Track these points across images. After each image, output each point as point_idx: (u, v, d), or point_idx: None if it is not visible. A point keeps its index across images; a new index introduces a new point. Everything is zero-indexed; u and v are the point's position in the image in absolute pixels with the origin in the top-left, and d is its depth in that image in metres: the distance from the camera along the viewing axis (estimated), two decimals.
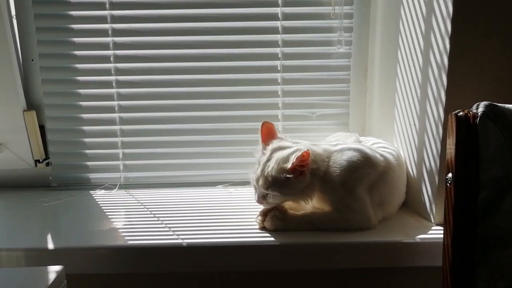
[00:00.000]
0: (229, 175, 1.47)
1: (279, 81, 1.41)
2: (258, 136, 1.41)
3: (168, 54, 1.40)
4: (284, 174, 1.00)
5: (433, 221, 1.10)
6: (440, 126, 1.05)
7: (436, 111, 1.07)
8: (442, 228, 1.05)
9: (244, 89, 1.42)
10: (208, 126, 1.44)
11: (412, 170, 1.18)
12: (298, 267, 1.04)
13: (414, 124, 1.17)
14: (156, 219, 1.17)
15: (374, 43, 1.40)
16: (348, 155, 1.05)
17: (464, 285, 0.84)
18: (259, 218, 1.08)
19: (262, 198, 1.05)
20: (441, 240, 1.00)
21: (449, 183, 0.85)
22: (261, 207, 1.10)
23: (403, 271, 1.08)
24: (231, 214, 1.20)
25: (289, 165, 0.99)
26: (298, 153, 0.97)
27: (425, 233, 1.06)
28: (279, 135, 1.12)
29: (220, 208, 1.25)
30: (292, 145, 1.08)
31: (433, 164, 1.09)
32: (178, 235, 1.06)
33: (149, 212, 1.23)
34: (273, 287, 1.12)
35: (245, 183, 1.44)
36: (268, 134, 1.11)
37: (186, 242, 1.02)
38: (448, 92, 1.02)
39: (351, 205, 1.03)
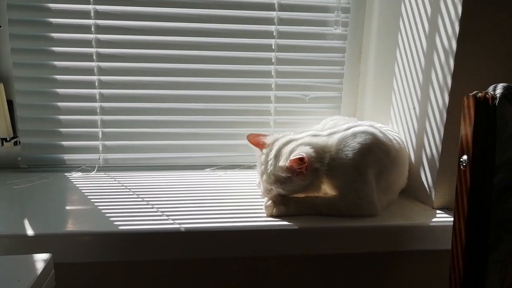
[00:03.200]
0: (217, 158, 1.40)
1: (273, 60, 1.35)
2: (249, 118, 1.40)
3: (156, 27, 1.29)
4: (285, 174, 0.97)
5: (432, 206, 1.10)
6: (444, 110, 1.04)
7: (440, 95, 1.05)
8: (442, 212, 1.08)
9: (236, 68, 1.35)
10: (196, 106, 1.36)
11: (410, 154, 1.17)
12: (299, 253, 1.00)
13: (414, 108, 1.16)
14: (146, 203, 1.09)
15: (370, 24, 1.37)
16: (362, 138, 1.01)
17: (476, 269, 0.83)
18: (269, 203, 1.03)
19: (267, 193, 1.03)
20: (444, 224, 1.01)
21: (463, 165, 0.83)
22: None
23: (406, 255, 1.07)
24: (226, 198, 1.14)
25: (286, 164, 0.96)
26: (293, 156, 0.94)
27: (427, 217, 1.05)
28: (268, 136, 1.09)
29: (213, 192, 1.18)
30: (296, 139, 1.03)
31: (434, 149, 1.08)
32: (174, 220, 0.99)
33: (136, 196, 1.14)
34: (275, 272, 1.08)
35: (234, 166, 1.39)
36: (256, 140, 1.08)
37: (184, 227, 0.95)
38: (454, 76, 1.01)
39: (360, 190, 1.00)
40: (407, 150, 1.17)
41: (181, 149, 1.39)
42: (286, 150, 0.99)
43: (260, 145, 1.07)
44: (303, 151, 0.96)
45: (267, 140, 1.06)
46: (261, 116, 1.40)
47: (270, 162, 1.00)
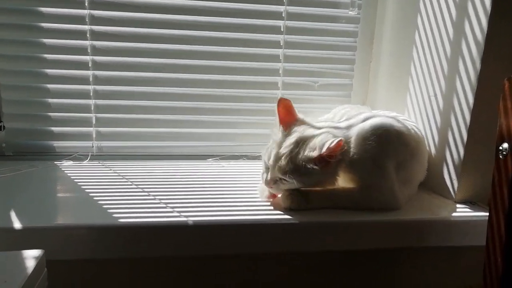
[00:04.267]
0: (220, 148, 1.31)
1: (281, 44, 1.26)
2: (254, 105, 1.31)
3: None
4: (311, 165, 0.87)
5: (454, 199, 1.03)
6: (472, 96, 0.97)
7: (467, 80, 0.98)
8: (466, 206, 1.01)
9: (241, 50, 1.26)
10: (197, 91, 1.27)
11: (430, 145, 1.10)
12: (316, 248, 0.92)
13: (435, 95, 1.08)
14: (147, 194, 0.99)
15: (384, 5, 1.29)
16: (380, 130, 0.94)
17: None
18: (267, 194, 0.96)
19: (273, 182, 0.92)
20: (470, 218, 0.95)
21: (504, 154, 0.76)
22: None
23: (426, 250, 0.99)
24: (234, 190, 1.05)
25: (315, 154, 0.87)
26: (331, 142, 0.85)
27: (449, 211, 0.98)
28: (299, 115, 0.98)
29: (218, 183, 1.09)
30: (317, 129, 0.95)
31: (458, 138, 1.01)
32: (179, 212, 0.89)
33: (135, 186, 1.04)
34: (289, 269, 0.99)
35: (238, 156, 1.30)
36: (287, 113, 0.96)
37: (192, 221, 0.86)
38: (485, 59, 0.94)
39: (380, 183, 0.92)
40: (426, 140, 1.09)
41: (181, 138, 1.29)
42: (314, 140, 0.89)
43: (287, 122, 0.95)
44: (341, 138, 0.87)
45: (293, 126, 0.94)
46: (267, 104, 1.31)
47: (288, 148, 0.90)
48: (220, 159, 1.29)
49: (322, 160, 0.87)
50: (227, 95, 1.28)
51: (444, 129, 1.06)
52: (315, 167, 0.87)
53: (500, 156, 0.77)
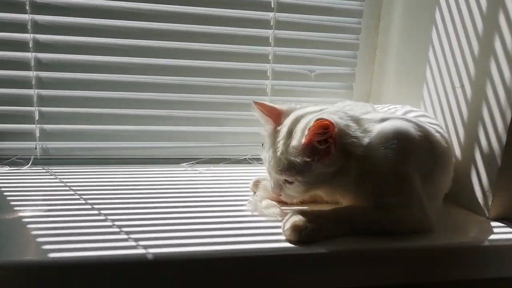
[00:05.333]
0: (196, 149, 1.08)
1: (271, 23, 1.04)
2: (238, 98, 1.08)
3: None
4: (303, 158, 0.70)
5: (488, 215, 0.83)
6: None
7: (506, 63, 0.78)
8: (503, 224, 0.81)
9: (222, 30, 1.03)
10: (167, 79, 1.03)
11: (455, 148, 0.89)
12: (331, 286, 0.70)
13: (462, 86, 0.88)
14: (96, 212, 0.76)
15: None
16: (404, 134, 0.74)
17: None
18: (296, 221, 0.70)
19: (278, 188, 0.75)
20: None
21: None
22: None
23: (466, 285, 0.78)
24: (215, 205, 0.82)
25: (298, 142, 0.71)
26: (311, 124, 0.68)
27: (486, 232, 0.78)
28: (282, 107, 0.81)
29: (194, 196, 0.86)
30: (317, 110, 0.76)
31: (494, 141, 0.81)
32: (136, 241, 0.66)
33: (84, 202, 0.80)
34: None
35: (218, 160, 1.07)
36: (268, 110, 0.80)
37: (152, 253, 0.63)
38: None
39: (406, 198, 0.72)
40: (451, 143, 0.88)
41: (148, 137, 1.05)
42: (302, 124, 0.73)
43: (275, 118, 0.79)
44: (327, 117, 0.69)
45: (284, 112, 0.79)
46: (253, 96, 1.08)
47: (281, 143, 0.73)
48: (196, 163, 1.06)
49: (313, 149, 0.69)
50: (204, 85, 1.05)
51: (473, 128, 0.85)
52: (307, 159, 0.69)
53: None
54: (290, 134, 0.73)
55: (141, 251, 0.63)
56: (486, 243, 0.75)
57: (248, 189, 0.90)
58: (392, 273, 0.71)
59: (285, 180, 0.73)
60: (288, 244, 0.68)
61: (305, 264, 0.67)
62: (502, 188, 0.81)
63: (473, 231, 0.78)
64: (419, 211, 0.72)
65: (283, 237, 0.69)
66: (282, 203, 0.79)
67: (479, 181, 0.84)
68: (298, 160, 0.70)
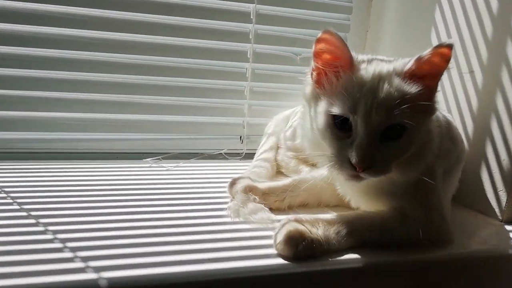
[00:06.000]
0: (162, 143, 0.92)
1: None
2: (213, 83, 0.93)
3: None
4: (413, 84, 0.57)
5: (501, 218, 0.73)
6: None
7: None
8: None
9: (196, 3, 0.87)
10: (128, 58, 0.87)
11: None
12: None
13: (472, 72, 0.77)
14: (34, 221, 0.59)
15: None
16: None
17: None
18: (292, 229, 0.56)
19: (371, 147, 0.55)
20: None
21: None
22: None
23: None
24: (184, 210, 0.67)
25: (410, 64, 0.58)
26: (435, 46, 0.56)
27: (506, 237, 0.68)
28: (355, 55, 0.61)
29: (159, 199, 0.71)
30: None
31: (510, 135, 0.71)
32: (85, 261, 0.50)
33: (18, 208, 0.63)
34: None
35: (188, 155, 0.91)
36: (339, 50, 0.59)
37: (106, 278, 0.47)
38: None
39: (430, 202, 0.60)
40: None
41: (102, 128, 0.88)
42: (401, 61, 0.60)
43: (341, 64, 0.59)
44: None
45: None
46: (231, 81, 0.94)
47: (380, 73, 0.57)
48: (163, 158, 0.89)
49: (417, 77, 0.57)
50: (172, 66, 0.90)
51: (485, 118, 0.75)
52: (415, 88, 0.56)
53: None
54: (384, 69, 0.58)
55: (91, 275, 0.47)
56: (510, 251, 0.64)
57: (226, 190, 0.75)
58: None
59: (385, 134, 0.55)
60: (281, 261, 0.54)
61: (302, 286, 0.54)
62: None
63: (490, 237, 0.67)
64: (439, 218, 0.60)
65: (274, 251, 0.55)
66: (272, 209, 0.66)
67: (491, 179, 0.75)
68: (411, 89, 0.56)
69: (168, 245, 0.55)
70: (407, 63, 0.58)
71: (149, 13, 0.85)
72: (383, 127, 0.55)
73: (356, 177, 0.56)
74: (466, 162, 0.77)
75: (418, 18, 0.91)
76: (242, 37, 0.91)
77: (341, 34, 0.91)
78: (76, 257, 0.51)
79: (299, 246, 0.53)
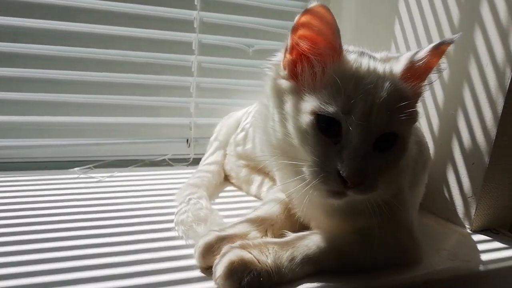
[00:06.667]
0: (94, 148, 0.80)
1: None
2: (155, 78, 0.81)
3: None
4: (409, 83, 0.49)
5: (471, 227, 0.67)
6: (509, 65, 0.60)
7: (498, 36, 0.62)
8: (488, 237, 0.66)
9: None
10: (50, 50, 0.74)
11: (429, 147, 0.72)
12: None
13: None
14: None
15: None
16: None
17: None
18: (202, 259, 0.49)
19: (365, 159, 0.45)
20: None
21: None
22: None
23: None
24: (116, 233, 0.56)
25: (400, 67, 0.49)
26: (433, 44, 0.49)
27: (474, 249, 0.62)
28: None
29: (87, 217, 0.60)
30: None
31: (480, 136, 0.65)
32: None
33: None
34: None
35: (125, 163, 0.80)
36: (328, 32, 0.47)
37: None
38: None
39: (403, 214, 0.53)
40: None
41: (23, 133, 0.75)
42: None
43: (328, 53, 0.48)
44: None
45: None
46: (175, 77, 0.84)
47: (377, 70, 0.48)
48: (94, 167, 0.77)
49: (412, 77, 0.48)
50: (106, 59, 0.78)
51: (451, 119, 0.68)
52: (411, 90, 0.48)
53: None
54: (377, 64, 0.49)
55: None
56: (481, 267, 0.57)
57: (172, 204, 0.64)
58: None
59: (377, 144, 0.46)
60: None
61: None
62: (490, 192, 0.66)
63: (461, 251, 0.61)
64: (408, 238, 0.52)
65: (214, 286, 0.45)
66: None
67: (459, 184, 0.68)
68: (409, 91, 0.48)
69: (93, 270, 0.47)
70: (403, 61, 0.49)
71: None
72: (379, 135, 0.45)
73: (340, 194, 0.46)
74: (433, 165, 0.71)
75: (380, 9, 0.84)
76: (185, 25, 0.80)
77: None
78: None
79: (242, 281, 0.44)
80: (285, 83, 0.50)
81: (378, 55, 0.52)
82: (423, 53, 0.49)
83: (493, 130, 0.63)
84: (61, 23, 0.73)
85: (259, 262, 0.45)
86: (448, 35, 0.69)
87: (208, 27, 0.82)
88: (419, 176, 0.62)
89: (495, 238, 0.65)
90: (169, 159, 0.84)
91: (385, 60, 0.51)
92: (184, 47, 0.82)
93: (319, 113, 0.45)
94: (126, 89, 0.80)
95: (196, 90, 0.84)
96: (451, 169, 0.69)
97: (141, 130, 0.83)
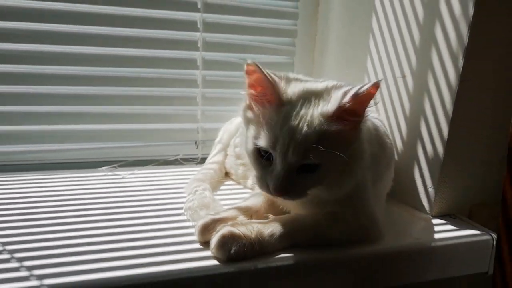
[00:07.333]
0: (117, 150, 0.95)
1: (199, 6, 0.93)
2: (166, 90, 0.96)
3: None
4: (332, 124, 0.58)
5: (430, 212, 0.79)
6: (456, 79, 0.73)
7: (449, 57, 0.74)
8: (446, 221, 0.78)
9: (145, 13, 0.90)
10: (81, 71, 0.89)
11: (396, 142, 0.85)
12: None
13: (404, 77, 0.83)
14: None
15: None
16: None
17: None
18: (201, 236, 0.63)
19: (287, 182, 0.58)
20: (460, 241, 0.71)
21: None
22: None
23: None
24: (136, 218, 0.71)
25: (332, 106, 0.58)
26: (361, 88, 0.57)
27: (432, 231, 0.74)
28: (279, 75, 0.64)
29: (113, 208, 0.74)
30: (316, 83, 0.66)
31: (436, 134, 0.77)
32: (29, 269, 0.54)
33: None
34: None
35: (144, 162, 0.95)
36: (264, 83, 0.61)
37: (48, 285, 0.51)
38: (473, 31, 0.70)
39: (360, 204, 0.66)
40: (391, 136, 0.83)
41: (58, 138, 0.91)
42: (319, 88, 0.62)
43: (274, 90, 0.60)
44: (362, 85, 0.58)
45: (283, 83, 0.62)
46: (183, 89, 0.98)
47: (301, 114, 0.59)
48: (119, 166, 0.93)
49: (341, 118, 0.58)
50: (126, 76, 0.92)
51: (415, 120, 0.81)
52: (334, 128, 0.58)
53: None
54: (309, 102, 0.60)
55: (33, 283, 0.51)
56: (431, 244, 0.70)
57: (182, 195, 0.79)
58: (338, 285, 0.64)
59: (302, 167, 0.59)
60: (214, 262, 0.58)
61: (236, 283, 0.58)
62: (445, 184, 0.78)
63: (417, 231, 0.73)
64: (369, 218, 0.66)
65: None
66: None
67: (421, 177, 0.80)
68: (332, 128, 0.57)
69: (115, 251, 0.59)
70: (332, 103, 0.58)
71: (106, 25, 0.88)
72: (298, 164, 0.58)
73: (276, 197, 0.61)
74: (401, 161, 0.83)
75: (358, 25, 0.95)
76: (190, 45, 0.94)
77: (289, 40, 0.97)
78: (22, 266, 0.54)
79: (231, 250, 0.58)
80: (248, 113, 0.64)
81: (320, 85, 0.63)
82: (348, 97, 0.57)
83: (445, 132, 0.75)
84: (89, 48, 0.88)
85: (244, 236, 0.59)
86: (411, 51, 0.81)
87: (209, 46, 0.96)
88: (382, 172, 0.73)
89: (450, 222, 0.77)
90: (181, 159, 0.98)
91: (326, 90, 0.61)
92: (190, 64, 0.95)
93: (258, 145, 0.60)
94: (143, 100, 0.94)
95: (202, 100, 0.98)
96: (416, 165, 0.81)
97: (157, 134, 0.97)
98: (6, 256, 0.57)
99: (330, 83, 0.64)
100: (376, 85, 0.57)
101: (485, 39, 0.71)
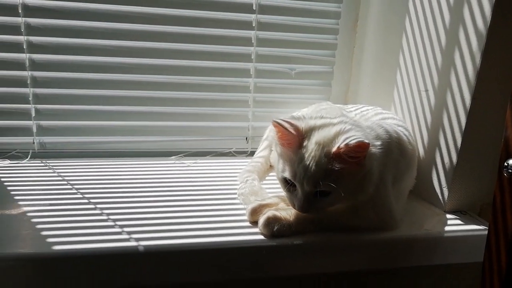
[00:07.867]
0: (184, 143, 1.16)
1: (253, 25, 1.10)
2: (223, 95, 1.15)
3: None
4: (335, 164, 0.73)
5: (444, 209, 0.93)
6: (469, 96, 0.85)
7: (464, 76, 0.86)
8: (456, 217, 0.91)
9: (207, 32, 1.08)
10: (157, 78, 1.10)
11: (419, 147, 0.98)
12: (302, 272, 0.81)
13: (427, 91, 0.96)
14: (93, 207, 0.84)
15: None
16: (389, 137, 0.83)
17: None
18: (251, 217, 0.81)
19: (307, 202, 0.75)
20: (464, 233, 0.86)
21: (509, 172, 0.65)
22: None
23: (418, 270, 0.89)
24: (200, 198, 0.90)
25: (332, 149, 0.73)
26: (351, 139, 0.71)
27: (441, 224, 0.88)
28: (299, 124, 0.78)
29: (181, 189, 0.94)
30: (333, 120, 0.80)
31: (451, 142, 0.90)
32: (129, 233, 0.75)
33: (81, 196, 0.88)
34: None
35: (204, 153, 1.15)
36: (288, 135, 0.77)
37: (144, 245, 0.72)
38: (485, 55, 0.81)
39: (380, 201, 0.81)
40: (415, 144, 0.97)
41: (139, 132, 1.12)
42: (330, 133, 0.75)
43: (297, 134, 0.76)
44: (357, 136, 0.72)
45: (304, 128, 0.77)
46: (238, 93, 1.16)
47: (313, 153, 0.74)
48: (185, 156, 1.14)
49: (341, 159, 0.72)
50: (192, 83, 1.12)
51: (435, 130, 0.94)
52: (337, 166, 0.72)
53: (505, 174, 0.66)
54: (319, 145, 0.74)
55: (133, 243, 0.72)
56: (441, 234, 0.85)
57: (234, 181, 0.97)
58: (350, 261, 0.81)
59: (319, 192, 0.74)
60: (261, 237, 0.77)
61: (277, 254, 0.77)
62: (457, 185, 0.91)
63: (430, 223, 0.88)
64: (387, 214, 0.81)
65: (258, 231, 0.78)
66: None
67: (438, 177, 0.94)
68: (331, 166, 0.72)
69: (186, 224, 0.79)
70: (336, 145, 0.72)
71: (180, 42, 1.07)
72: (313, 191, 0.74)
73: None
74: (422, 165, 0.96)
75: (390, 40, 1.08)
76: (245, 57, 1.12)
77: (330, 52, 1.11)
78: (123, 231, 0.75)
79: (274, 228, 0.76)
80: (278, 149, 0.80)
81: (333, 129, 0.75)
82: (342, 144, 0.70)
83: (459, 141, 0.87)
84: (165, 60, 1.08)
85: (285, 219, 0.77)
86: (433, 69, 0.94)
87: (261, 58, 1.12)
88: (403, 173, 0.87)
89: (460, 217, 0.90)
90: (234, 151, 1.17)
91: (335, 134, 0.74)
92: (244, 72, 1.13)
93: (284, 176, 0.77)
94: (205, 102, 1.13)
95: (253, 103, 1.16)
96: (434, 167, 0.94)
97: (215, 130, 1.16)
98: (110, 223, 0.78)
99: (342, 126, 0.76)
100: (362, 143, 0.70)
101: (495, 68, 0.83)
